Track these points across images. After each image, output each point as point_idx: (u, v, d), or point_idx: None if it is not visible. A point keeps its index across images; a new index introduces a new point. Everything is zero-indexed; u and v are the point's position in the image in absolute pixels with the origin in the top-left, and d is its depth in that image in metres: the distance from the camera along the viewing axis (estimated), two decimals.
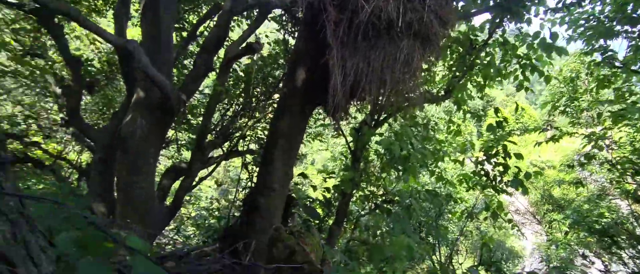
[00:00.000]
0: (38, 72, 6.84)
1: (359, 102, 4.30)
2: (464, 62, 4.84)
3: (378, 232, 5.18)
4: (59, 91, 6.80)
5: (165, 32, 4.35)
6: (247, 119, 5.80)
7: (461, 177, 5.33)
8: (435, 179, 5.42)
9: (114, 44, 3.76)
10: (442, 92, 5.14)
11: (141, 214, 4.32)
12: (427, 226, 5.73)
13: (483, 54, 4.89)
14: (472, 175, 5.18)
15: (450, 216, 6.51)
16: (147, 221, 4.35)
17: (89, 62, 6.93)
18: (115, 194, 4.93)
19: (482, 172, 5.05)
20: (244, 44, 4.43)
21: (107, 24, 8.39)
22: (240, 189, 6.40)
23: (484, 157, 4.99)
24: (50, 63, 7.03)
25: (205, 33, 6.53)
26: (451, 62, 5.14)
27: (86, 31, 7.85)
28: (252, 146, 6.80)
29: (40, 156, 7.55)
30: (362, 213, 5.66)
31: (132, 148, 4.10)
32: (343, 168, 5.51)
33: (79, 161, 8.65)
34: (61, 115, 7.30)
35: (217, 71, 4.77)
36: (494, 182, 4.92)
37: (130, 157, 4.15)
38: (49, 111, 8.20)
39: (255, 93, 5.73)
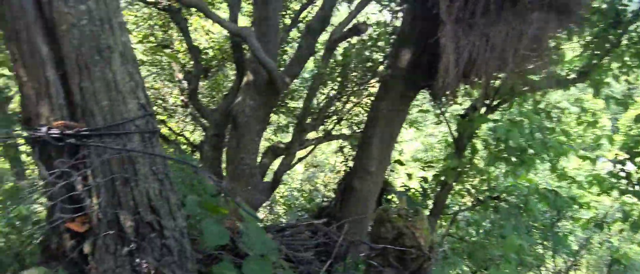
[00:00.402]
0: (166, 59, 7.89)
1: (468, 86, 3.98)
2: (606, 37, 4.06)
3: (480, 230, 4.80)
4: (180, 76, 7.74)
5: (273, 18, 4.56)
6: (343, 103, 5.84)
7: (592, 178, 4.54)
8: (556, 177, 4.74)
9: (231, 31, 4.08)
10: (573, 75, 4.42)
11: (246, 188, 4.66)
12: (543, 230, 5.05)
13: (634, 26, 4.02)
14: (607, 176, 4.38)
15: (572, 222, 5.62)
16: (251, 194, 4.68)
17: (205, 51, 7.68)
18: (224, 167, 5.40)
19: (623, 174, 4.22)
20: (348, 26, 4.43)
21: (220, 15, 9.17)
22: (333, 172, 6.51)
23: (627, 156, 4.16)
24: (174, 52, 8.02)
25: (305, 19, 6.71)
26: (590, 38, 4.34)
27: (202, 24, 8.77)
28: (345, 131, 6.85)
29: (165, 133, 8.73)
30: (462, 207, 5.28)
31: (240, 126, 4.43)
32: (444, 157, 5.19)
33: (192, 138, 9.78)
34: (181, 97, 8.30)
35: (322, 53, 4.86)
36: (638, 187, 4.08)
37: (239, 134, 4.49)
38: (171, 94, 9.38)
39: (352, 77, 5.72)
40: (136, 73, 2.27)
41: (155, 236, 2.27)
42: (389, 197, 4.35)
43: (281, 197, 9.53)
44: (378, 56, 5.81)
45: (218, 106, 6.61)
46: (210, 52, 8.21)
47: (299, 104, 7.82)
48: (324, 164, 9.83)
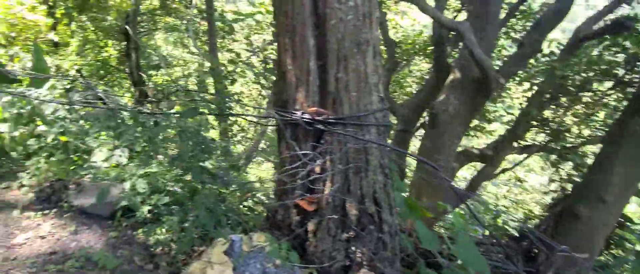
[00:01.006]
0: None
1: None
2: None
3: None
4: None
5: (493, 13, 4.16)
6: (562, 112, 4.91)
7: None
8: None
9: (447, 26, 3.91)
10: None
11: (436, 190, 4.45)
12: None
13: None
14: None
15: None
16: (441, 198, 4.44)
17: (399, 44, 7.69)
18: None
19: None
20: (599, 21, 3.64)
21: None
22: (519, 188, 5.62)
23: None
24: None
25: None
26: None
27: (391, 18, 8.80)
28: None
29: None
30: None
31: (441, 125, 4.23)
32: None
33: None
34: None
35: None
36: None
37: (436, 134, 4.30)
38: None
39: (577, 81, 4.71)
40: (380, 67, 2.34)
41: (374, 229, 2.33)
42: (624, 234, 3.46)
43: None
44: (613, 58, 4.61)
45: (407, 101, 6.55)
46: (403, 47, 8.17)
47: (490, 105, 7.04)
48: (512, 179, 8.70)
